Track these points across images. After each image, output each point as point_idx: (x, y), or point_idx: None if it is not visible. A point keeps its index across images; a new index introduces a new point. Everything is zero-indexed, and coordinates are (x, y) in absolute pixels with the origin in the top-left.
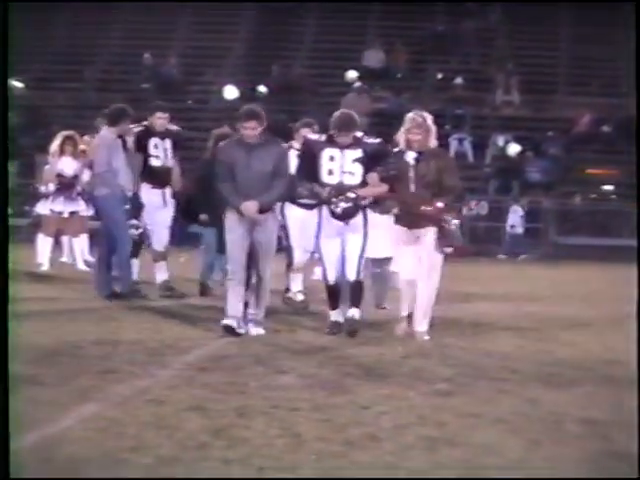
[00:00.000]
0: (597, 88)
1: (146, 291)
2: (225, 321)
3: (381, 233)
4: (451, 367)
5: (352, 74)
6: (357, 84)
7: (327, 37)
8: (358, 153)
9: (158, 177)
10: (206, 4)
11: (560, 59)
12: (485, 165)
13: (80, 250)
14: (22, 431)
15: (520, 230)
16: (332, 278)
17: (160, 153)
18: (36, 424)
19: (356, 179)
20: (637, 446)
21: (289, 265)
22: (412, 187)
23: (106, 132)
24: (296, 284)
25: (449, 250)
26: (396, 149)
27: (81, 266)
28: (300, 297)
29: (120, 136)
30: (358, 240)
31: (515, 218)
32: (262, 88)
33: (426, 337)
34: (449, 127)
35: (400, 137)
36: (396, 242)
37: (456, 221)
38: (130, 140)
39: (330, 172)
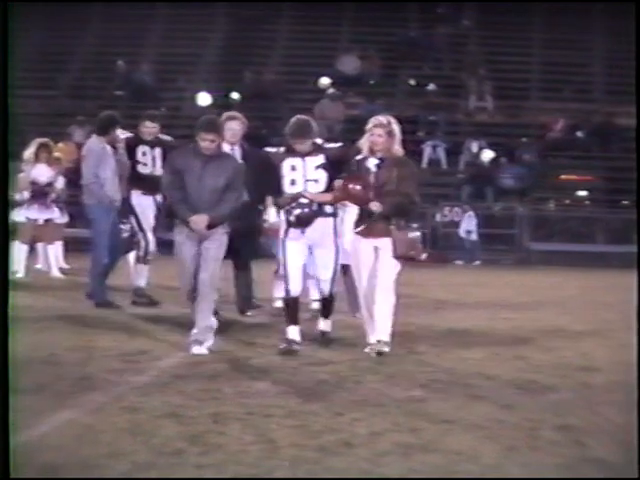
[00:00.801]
0: (570, 93)
1: (121, 298)
2: (193, 349)
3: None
4: (426, 374)
5: (325, 80)
6: (330, 90)
7: (300, 43)
8: (320, 159)
9: (147, 184)
10: (178, 10)
11: (533, 65)
12: (459, 171)
13: (55, 257)
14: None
15: (475, 236)
16: (294, 289)
17: (148, 161)
18: (12, 431)
19: (320, 186)
20: (637, 446)
21: (277, 272)
22: (371, 195)
23: (94, 141)
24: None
25: (413, 256)
26: (359, 156)
27: (55, 273)
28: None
29: (111, 144)
30: (328, 255)
31: (470, 224)
32: (235, 95)
33: (386, 349)
34: (423, 133)
35: (363, 143)
36: (354, 252)
37: (416, 232)
38: (121, 147)
39: (293, 182)
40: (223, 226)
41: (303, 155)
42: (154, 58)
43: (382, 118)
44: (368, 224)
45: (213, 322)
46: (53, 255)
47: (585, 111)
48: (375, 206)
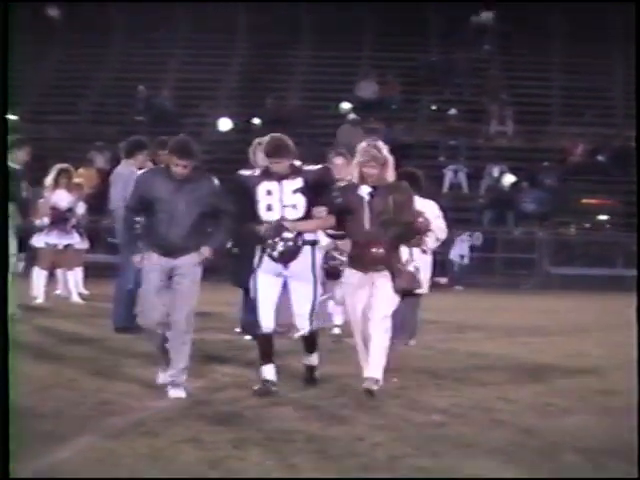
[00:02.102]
0: (591, 118)
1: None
2: (171, 393)
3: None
4: (446, 398)
5: (346, 106)
6: (351, 116)
7: (320, 69)
8: (298, 183)
9: None
10: (199, 36)
11: (553, 89)
12: (480, 196)
13: (74, 283)
14: (19, 462)
15: (467, 260)
16: (266, 325)
17: None
18: (33, 455)
19: (299, 212)
20: (637, 446)
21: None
22: (366, 225)
23: (122, 166)
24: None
25: (413, 289)
26: (344, 183)
27: (75, 299)
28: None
29: (139, 168)
30: (307, 288)
31: (463, 248)
32: (256, 120)
33: (374, 387)
34: (444, 158)
35: (353, 169)
36: (347, 287)
37: (416, 263)
38: None
39: (269, 207)
40: (196, 256)
41: (280, 178)
42: (175, 83)
43: (373, 150)
44: (365, 257)
45: (187, 362)
46: (73, 281)
47: (605, 135)
48: (378, 252)
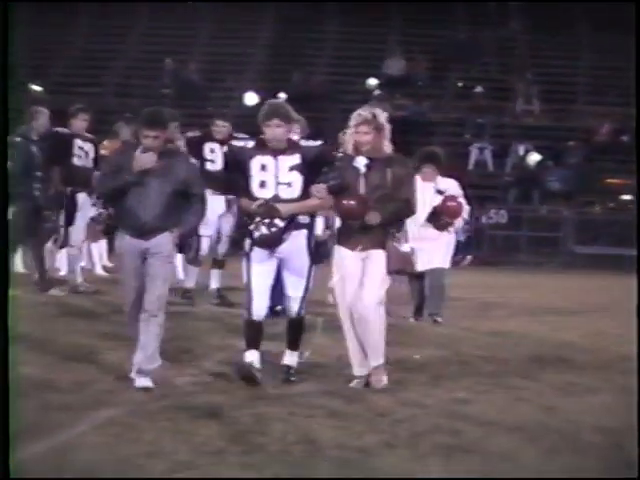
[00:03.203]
0: (616, 97)
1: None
2: (137, 383)
3: (432, 245)
4: (469, 376)
5: (372, 82)
6: (377, 92)
7: (348, 44)
8: (295, 159)
9: (216, 183)
10: (227, 10)
11: (580, 68)
12: (505, 174)
13: (98, 255)
14: (36, 436)
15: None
16: (257, 313)
17: (217, 158)
18: (50, 430)
19: (294, 191)
20: (637, 446)
21: None
22: (364, 206)
23: None
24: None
25: (407, 270)
26: (341, 153)
27: (99, 271)
28: None
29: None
30: (300, 270)
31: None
32: (282, 95)
33: (384, 383)
34: (469, 136)
35: (347, 141)
36: (337, 266)
37: (409, 245)
38: (181, 144)
39: (262, 184)
40: (169, 235)
41: (276, 153)
42: (202, 57)
43: (366, 113)
44: (357, 234)
45: (155, 348)
46: (97, 253)
47: (630, 115)
48: (373, 218)
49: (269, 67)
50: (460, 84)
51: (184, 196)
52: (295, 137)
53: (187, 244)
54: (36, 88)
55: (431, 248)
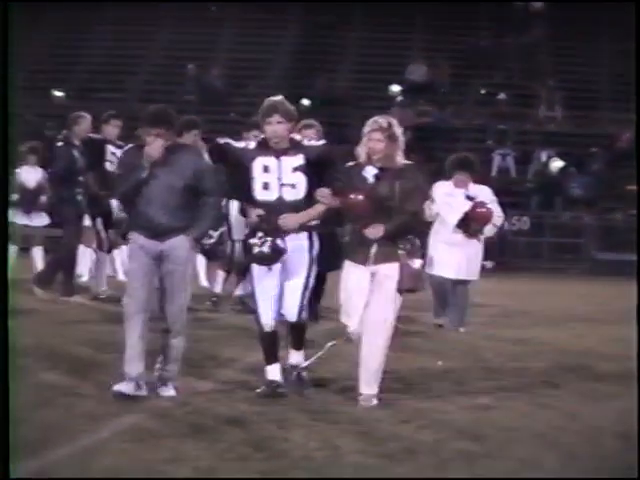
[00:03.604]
0: (637, 105)
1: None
2: (116, 387)
3: (462, 253)
4: (491, 381)
5: (395, 88)
6: (400, 98)
7: (371, 50)
8: (299, 160)
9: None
10: (250, 16)
11: (602, 75)
12: (527, 180)
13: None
14: (58, 442)
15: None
16: (267, 323)
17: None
18: (73, 435)
19: (299, 193)
20: (637, 446)
21: None
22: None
23: None
24: None
25: (416, 289)
26: (351, 162)
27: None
28: None
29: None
30: (300, 271)
31: None
32: (305, 101)
33: (375, 401)
34: (492, 142)
35: (360, 149)
36: (345, 283)
37: (419, 260)
38: (203, 150)
39: (266, 186)
40: (185, 238)
41: (278, 154)
42: (225, 63)
43: (382, 120)
44: (366, 246)
45: (178, 358)
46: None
47: None
48: (373, 232)
49: (292, 73)
50: (483, 91)
51: (197, 193)
52: (298, 137)
53: (219, 250)
54: (58, 93)
55: (461, 256)
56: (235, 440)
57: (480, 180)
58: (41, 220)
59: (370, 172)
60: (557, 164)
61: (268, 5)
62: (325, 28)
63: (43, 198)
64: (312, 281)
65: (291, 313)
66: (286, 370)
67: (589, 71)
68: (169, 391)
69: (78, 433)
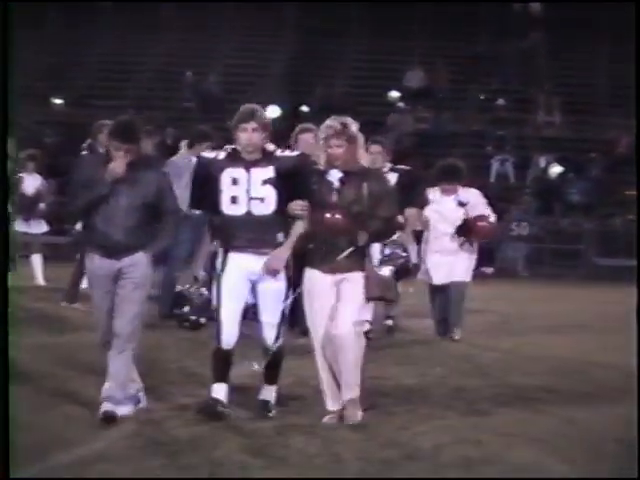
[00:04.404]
0: (638, 109)
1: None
2: (103, 407)
3: (453, 258)
4: (490, 388)
5: (394, 94)
6: (399, 104)
7: (369, 57)
8: (269, 172)
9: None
10: (248, 22)
11: (601, 79)
12: (526, 186)
13: None
14: (59, 449)
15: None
16: (227, 341)
17: None
18: (72, 442)
19: (268, 207)
20: (637, 446)
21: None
22: (348, 224)
23: (178, 156)
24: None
25: (388, 298)
26: (316, 167)
27: None
28: (388, 322)
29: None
30: (277, 292)
31: None
32: (304, 108)
33: (358, 415)
34: (490, 148)
35: (320, 155)
36: (307, 291)
37: (389, 267)
38: None
39: (234, 200)
40: (143, 255)
41: (249, 165)
42: (223, 70)
43: (335, 123)
44: (330, 255)
45: (130, 377)
46: None
47: None
48: (362, 239)
49: (290, 79)
50: (481, 96)
51: (157, 210)
52: (271, 147)
53: None
54: (57, 101)
55: (452, 261)
56: (234, 447)
57: (478, 186)
58: (40, 227)
59: (335, 176)
60: (556, 170)
61: (266, 11)
62: (323, 34)
63: (42, 205)
64: (289, 303)
65: (267, 339)
66: (256, 405)
67: (588, 76)
68: (123, 410)
69: (77, 440)
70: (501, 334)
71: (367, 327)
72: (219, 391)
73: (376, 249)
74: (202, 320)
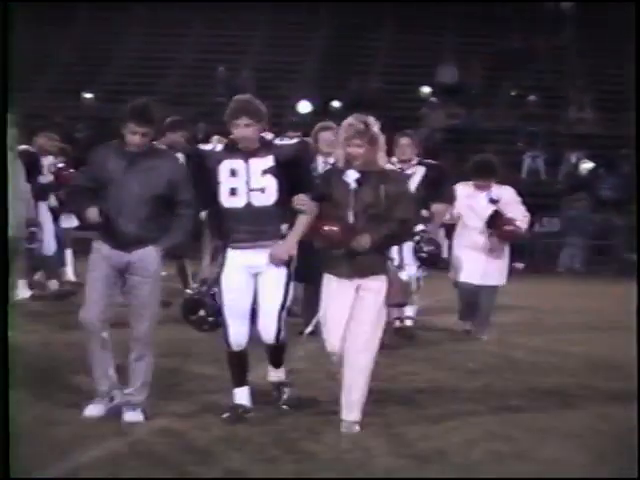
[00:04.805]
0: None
1: None
2: (86, 411)
3: (487, 257)
4: (522, 383)
5: (426, 90)
6: (431, 99)
7: (401, 52)
8: (268, 161)
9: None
10: (280, 17)
11: (632, 75)
12: (558, 182)
13: None
14: (88, 445)
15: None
16: (237, 342)
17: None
18: (103, 437)
19: (269, 198)
20: (637, 446)
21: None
22: (350, 220)
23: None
24: (407, 310)
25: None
26: (330, 164)
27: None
28: (408, 323)
29: None
30: (277, 283)
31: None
32: (336, 103)
33: (357, 428)
34: (522, 144)
35: (339, 152)
36: (325, 297)
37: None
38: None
39: (233, 192)
40: (155, 249)
41: (247, 156)
42: (255, 65)
43: (358, 123)
44: (348, 258)
45: (146, 378)
46: None
47: None
48: (363, 242)
49: (323, 74)
50: (513, 92)
51: (170, 203)
52: (269, 136)
53: None
54: (88, 96)
55: (486, 261)
56: (266, 442)
57: (508, 182)
58: (70, 222)
59: (352, 176)
60: (587, 166)
61: (299, 6)
62: (356, 29)
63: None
64: (290, 299)
65: (268, 328)
66: (271, 388)
67: (619, 72)
68: (136, 416)
69: (108, 435)
70: (534, 329)
71: (410, 323)
72: (241, 396)
73: (394, 251)
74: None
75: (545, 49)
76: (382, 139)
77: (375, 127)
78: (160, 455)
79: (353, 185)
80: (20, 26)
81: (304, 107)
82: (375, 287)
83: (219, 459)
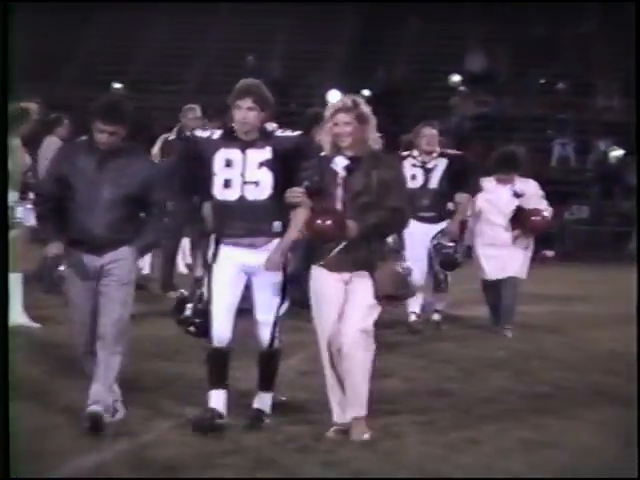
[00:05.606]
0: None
1: None
2: (89, 409)
3: (508, 251)
4: (552, 370)
5: (456, 78)
6: (461, 88)
7: (430, 41)
8: (266, 153)
9: None
10: (308, 7)
11: None
12: (587, 170)
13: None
14: (118, 436)
15: None
16: (220, 338)
17: None
18: (133, 428)
19: (263, 192)
20: (637, 446)
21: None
22: (339, 209)
23: None
24: (412, 305)
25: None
26: (321, 153)
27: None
28: (413, 318)
29: None
30: (272, 288)
31: None
32: (365, 92)
33: (366, 435)
34: (552, 132)
35: (324, 136)
36: (314, 291)
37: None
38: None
39: (227, 184)
40: (128, 250)
41: (244, 146)
42: (284, 54)
43: (346, 99)
44: (337, 252)
45: (113, 380)
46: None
47: None
48: (351, 230)
49: (351, 64)
50: (542, 80)
51: (144, 203)
52: (271, 126)
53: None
54: (116, 86)
55: (507, 255)
56: (297, 431)
57: (533, 173)
58: None
59: (340, 163)
60: (616, 153)
61: None
62: (385, 18)
63: None
64: (286, 303)
65: (263, 337)
66: (250, 414)
67: None
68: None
69: (138, 426)
70: (563, 317)
71: (438, 317)
72: (217, 400)
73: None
74: None
75: (573, 36)
76: (373, 119)
77: (365, 106)
78: (189, 446)
79: (342, 173)
80: (47, 17)
81: (333, 96)
82: (365, 281)
83: (249, 449)
